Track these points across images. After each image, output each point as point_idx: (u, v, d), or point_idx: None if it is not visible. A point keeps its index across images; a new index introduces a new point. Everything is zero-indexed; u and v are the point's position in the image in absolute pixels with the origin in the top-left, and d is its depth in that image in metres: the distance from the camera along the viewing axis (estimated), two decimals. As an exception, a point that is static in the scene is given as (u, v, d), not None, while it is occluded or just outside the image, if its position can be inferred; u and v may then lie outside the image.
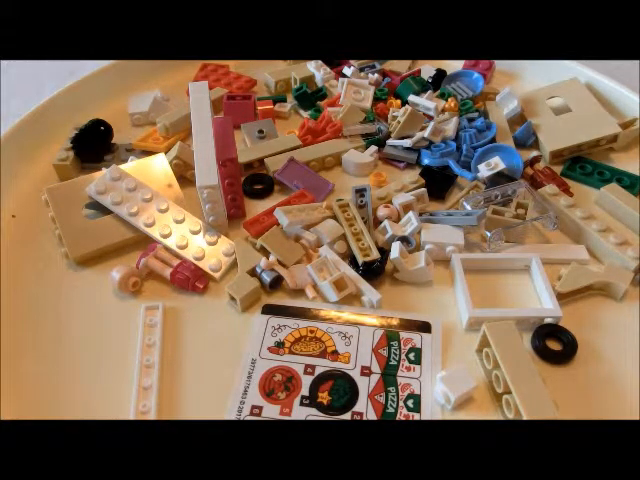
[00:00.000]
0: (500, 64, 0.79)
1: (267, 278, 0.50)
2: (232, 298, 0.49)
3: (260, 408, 0.43)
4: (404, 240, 0.53)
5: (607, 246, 0.52)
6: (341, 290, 0.49)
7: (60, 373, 0.45)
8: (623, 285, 0.50)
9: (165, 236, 0.54)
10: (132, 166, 0.58)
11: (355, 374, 0.45)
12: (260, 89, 0.77)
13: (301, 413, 0.42)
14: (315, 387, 0.44)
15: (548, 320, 0.47)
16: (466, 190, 0.60)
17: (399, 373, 0.45)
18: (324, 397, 0.43)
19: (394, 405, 0.43)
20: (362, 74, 0.76)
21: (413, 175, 0.61)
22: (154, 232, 0.54)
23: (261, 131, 0.67)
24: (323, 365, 0.46)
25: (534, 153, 0.65)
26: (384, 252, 0.52)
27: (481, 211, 0.53)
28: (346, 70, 0.76)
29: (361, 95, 0.71)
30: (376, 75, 0.75)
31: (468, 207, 0.55)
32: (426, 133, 0.64)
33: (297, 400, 0.43)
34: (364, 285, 0.50)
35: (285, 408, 0.43)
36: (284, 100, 0.74)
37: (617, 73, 0.73)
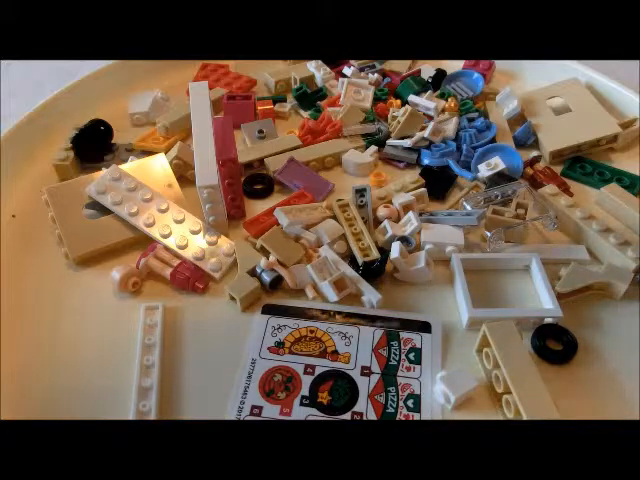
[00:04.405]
0: (500, 64, 0.79)
1: (267, 278, 0.50)
2: (232, 298, 0.49)
3: (260, 408, 0.43)
4: (404, 240, 0.53)
5: (607, 246, 0.52)
6: (341, 290, 0.49)
7: (60, 373, 0.45)
8: (623, 285, 0.50)
9: (165, 236, 0.54)
10: (132, 166, 0.58)
11: (355, 374, 0.45)
12: (260, 89, 0.77)
13: (301, 413, 0.42)
14: (315, 387, 0.44)
15: (548, 320, 0.47)
16: (466, 190, 0.60)
17: (399, 373, 0.45)
18: (324, 397, 0.43)
19: (394, 405, 0.43)
20: (362, 74, 0.76)
21: (413, 175, 0.61)
22: (154, 232, 0.54)
23: (261, 131, 0.67)
24: (323, 365, 0.46)
25: (534, 153, 0.65)
26: (384, 252, 0.52)
27: (481, 211, 0.53)
28: (346, 70, 0.76)
29: (361, 95, 0.71)
30: (376, 75, 0.75)
31: (468, 207, 0.55)
32: (426, 133, 0.64)
33: (297, 400, 0.43)
34: (364, 285, 0.50)
35: (285, 408, 0.43)
36: (284, 100, 0.74)
37: (617, 73, 0.73)
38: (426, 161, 0.64)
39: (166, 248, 0.53)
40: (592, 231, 0.53)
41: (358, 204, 0.57)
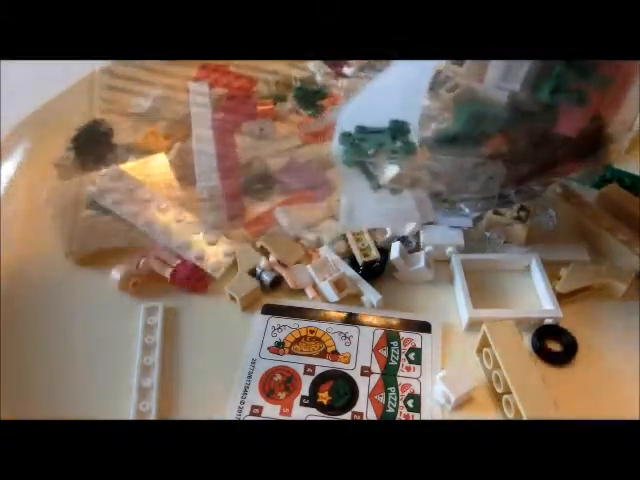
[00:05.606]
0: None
1: (267, 278, 0.50)
2: (232, 298, 0.49)
3: (260, 408, 0.43)
4: (404, 240, 0.53)
5: (607, 246, 0.52)
6: (341, 290, 0.49)
7: (60, 373, 0.45)
8: (623, 285, 0.50)
9: (165, 236, 0.54)
10: (132, 166, 0.58)
11: (355, 374, 0.45)
12: (260, 89, 0.77)
13: (301, 413, 0.42)
14: (315, 387, 0.44)
15: (548, 321, 0.47)
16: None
17: (399, 373, 0.45)
18: (324, 397, 0.43)
19: (394, 405, 0.43)
20: (362, 74, 0.76)
21: (413, 175, 0.61)
22: (154, 232, 0.54)
23: (261, 131, 0.67)
24: (323, 365, 0.46)
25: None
26: (384, 252, 0.52)
27: (478, 212, 0.53)
28: (346, 70, 0.76)
29: (361, 95, 0.71)
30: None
31: (466, 209, 0.55)
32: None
33: (297, 400, 0.43)
34: (364, 285, 0.50)
35: (285, 408, 0.43)
36: (284, 100, 0.74)
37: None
38: (426, 161, 0.64)
39: (166, 248, 0.53)
40: (593, 230, 0.53)
41: (358, 204, 0.57)
